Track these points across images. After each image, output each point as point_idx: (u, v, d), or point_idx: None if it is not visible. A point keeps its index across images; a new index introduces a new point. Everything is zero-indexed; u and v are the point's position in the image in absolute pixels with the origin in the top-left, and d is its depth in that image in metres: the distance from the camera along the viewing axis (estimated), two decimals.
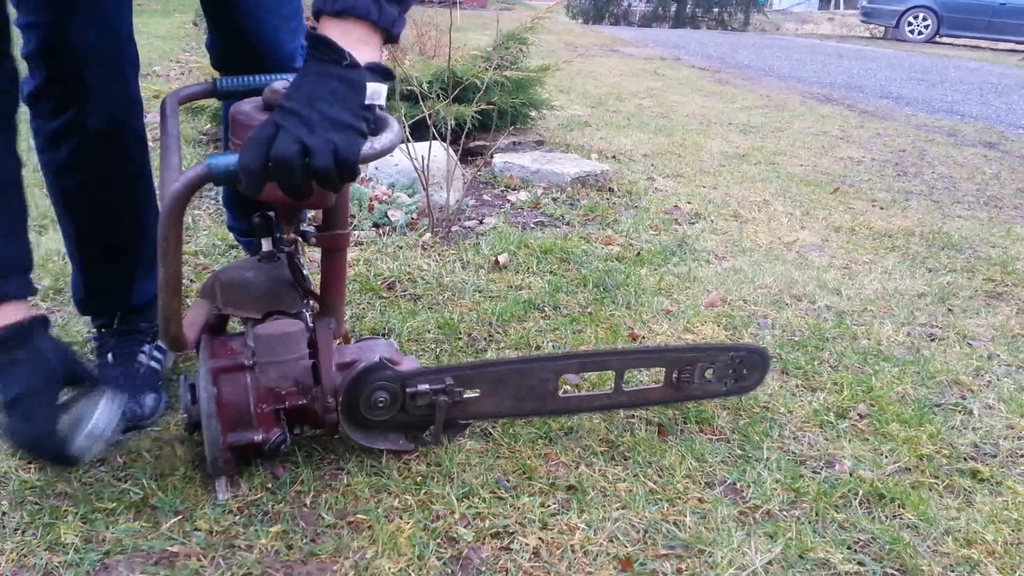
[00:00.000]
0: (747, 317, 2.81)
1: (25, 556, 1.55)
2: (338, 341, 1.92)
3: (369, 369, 1.81)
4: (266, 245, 1.80)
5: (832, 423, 2.18)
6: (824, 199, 4.45)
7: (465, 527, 1.70)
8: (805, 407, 2.24)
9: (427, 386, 1.85)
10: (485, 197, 4.10)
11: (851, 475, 1.95)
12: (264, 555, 1.59)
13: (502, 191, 4.21)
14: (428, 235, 3.39)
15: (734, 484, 1.90)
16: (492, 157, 4.47)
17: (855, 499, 1.86)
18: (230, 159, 1.34)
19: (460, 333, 2.56)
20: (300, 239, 1.75)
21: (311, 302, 1.87)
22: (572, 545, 1.67)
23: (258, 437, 1.74)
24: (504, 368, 1.91)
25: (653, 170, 4.90)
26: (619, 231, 3.65)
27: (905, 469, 2.00)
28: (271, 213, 1.79)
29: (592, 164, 4.51)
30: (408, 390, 1.84)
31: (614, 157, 5.15)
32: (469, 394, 1.91)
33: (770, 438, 2.08)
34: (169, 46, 9.06)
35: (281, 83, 1.61)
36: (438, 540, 1.66)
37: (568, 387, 2.23)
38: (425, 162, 3.37)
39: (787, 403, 2.25)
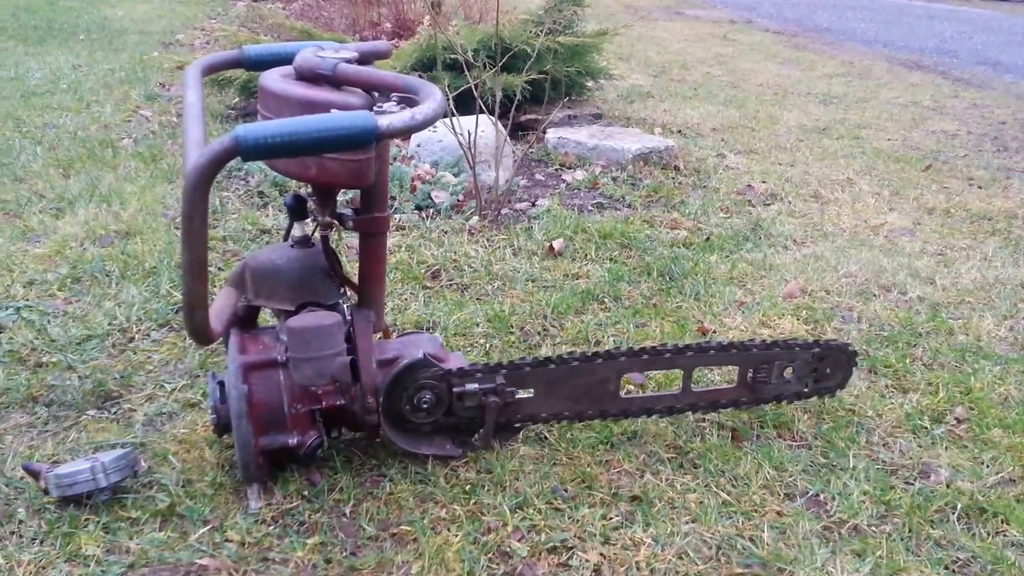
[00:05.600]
0: (830, 309, 2.77)
1: (44, 568, 1.57)
2: (378, 335, 1.91)
3: (412, 366, 1.81)
4: (299, 229, 1.80)
5: (926, 428, 2.13)
6: (915, 177, 4.37)
7: (519, 541, 1.69)
8: (896, 410, 2.20)
9: (476, 385, 1.84)
10: (538, 176, 4.09)
11: (948, 487, 1.91)
12: (301, 569, 1.59)
13: (556, 170, 4.19)
14: (475, 218, 3.39)
15: (817, 496, 1.87)
16: (545, 132, 4.45)
17: (953, 513, 1.83)
18: (259, 130, 1.32)
19: (511, 327, 2.55)
20: (336, 223, 1.74)
21: (348, 292, 1.87)
22: (637, 562, 1.65)
23: (293, 440, 1.74)
24: (561, 366, 1.89)
25: (723, 146, 4.85)
26: (686, 214, 3.61)
27: (1009, 480, 1.95)
28: (305, 194, 1.78)
29: (655, 140, 4.47)
30: (455, 390, 1.83)
31: (680, 132, 5.11)
32: (522, 394, 1.90)
33: (857, 445, 2.05)
34: (192, 12, 9.19)
35: (311, 50, 1.59)
36: (489, 555, 1.65)
37: (631, 387, 2.22)
38: (471, 138, 3.36)
39: (876, 406, 2.22)
